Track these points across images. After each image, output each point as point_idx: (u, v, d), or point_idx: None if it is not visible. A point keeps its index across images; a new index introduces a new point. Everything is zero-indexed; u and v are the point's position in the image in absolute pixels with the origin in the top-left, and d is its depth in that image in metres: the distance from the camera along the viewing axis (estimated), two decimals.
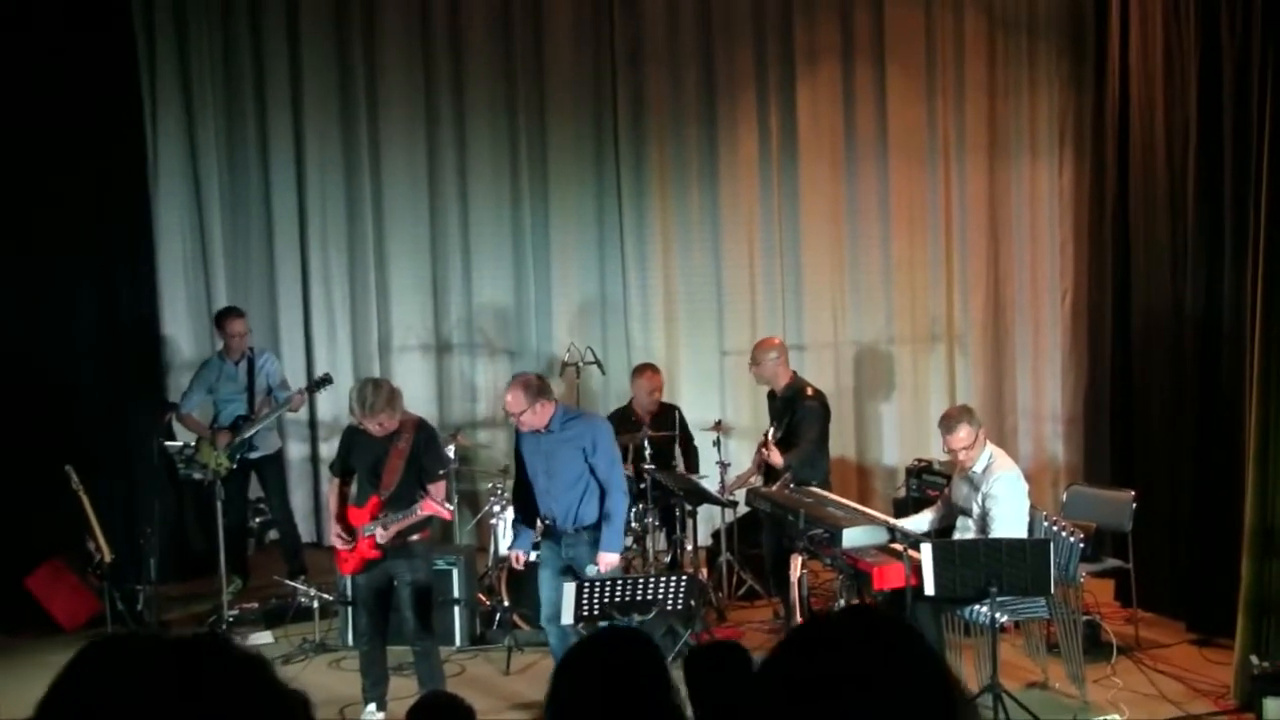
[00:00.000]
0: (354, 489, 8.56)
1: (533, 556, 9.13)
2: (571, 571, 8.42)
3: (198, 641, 1.94)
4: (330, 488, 8.80)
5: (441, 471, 8.60)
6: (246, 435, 11.14)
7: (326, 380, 11.01)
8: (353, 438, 8.54)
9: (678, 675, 3.87)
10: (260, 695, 1.89)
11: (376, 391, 8.16)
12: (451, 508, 8.68)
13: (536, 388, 8.38)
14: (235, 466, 11.11)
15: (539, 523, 8.72)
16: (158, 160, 12.69)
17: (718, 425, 11.26)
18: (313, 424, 12.97)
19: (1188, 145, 9.88)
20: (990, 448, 8.68)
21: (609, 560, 8.36)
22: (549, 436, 8.45)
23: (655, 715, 3.41)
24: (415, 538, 8.38)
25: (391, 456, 8.33)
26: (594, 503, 8.45)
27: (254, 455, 11.43)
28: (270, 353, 11.97)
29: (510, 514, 10.22)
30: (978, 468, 8.57)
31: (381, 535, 8.25)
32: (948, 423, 8.65)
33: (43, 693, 1.89)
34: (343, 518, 8.50)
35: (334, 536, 8.56)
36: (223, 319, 11.58)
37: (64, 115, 11.07)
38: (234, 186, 13.05)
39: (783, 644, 2.17)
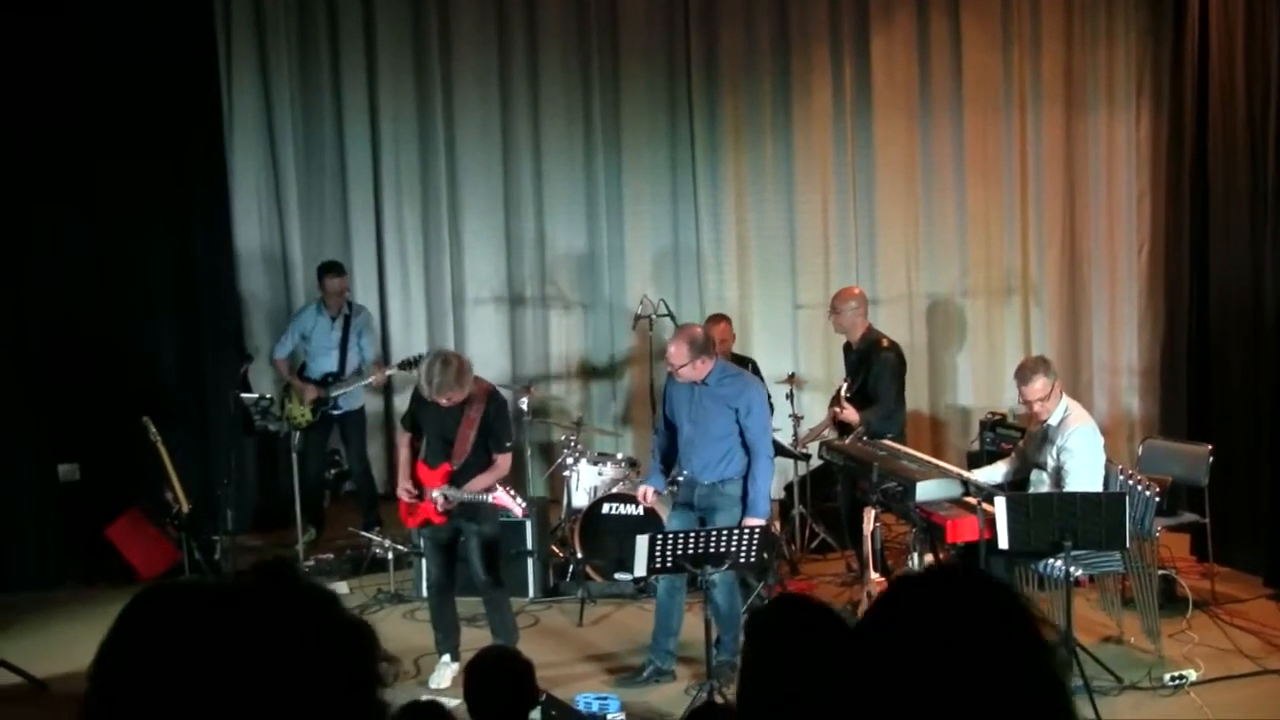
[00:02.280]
0: (424, 447, 8.48)
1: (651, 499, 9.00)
2: (704, 523, 8.25)
3: (259, 575, 1.93)
4: (401, 440, 8.74)
5: (509, 444, 8.50)
6: (334, 395, 11.25)
7: (415, 361, 10.98)
8: (422, 398, 8.37)
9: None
10: (325, 627, 1.89)
11: (445, 370, 8.01)
12: (524, 504, 8.55)
13: (701, 344, 8.24)
14: (317, 420, 11.21)
15: (674, 475, 8.73)
16: (233, 113, 12.77)
17: (791, 378, 11.22)
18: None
19: (1269, 95, 9.76)
20: (1066, 401, 8.57)
21: (755, 525, 8.11)
22: (702, 389, 8.32)
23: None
24: (482, 496, 8.31)
25: (463, 425, 8.25)
26: (735, 459, 8.30)
27: (337, 411, 11.54)
28: (368, 311, 12.06)
29: (585, 465, 10.51)
30: (1053, 421, 8.47)
31: (443, 505, 8.25)
32: (1023, 374, 8.53)
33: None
34: (413, 473, 8.47)
35: (400, 490, 8.49)
36: (323, 274, 11.68)
37: (140, 70, 11.11)
38: (308, 140, 13.13)
39: (876, 607, 2.20)
